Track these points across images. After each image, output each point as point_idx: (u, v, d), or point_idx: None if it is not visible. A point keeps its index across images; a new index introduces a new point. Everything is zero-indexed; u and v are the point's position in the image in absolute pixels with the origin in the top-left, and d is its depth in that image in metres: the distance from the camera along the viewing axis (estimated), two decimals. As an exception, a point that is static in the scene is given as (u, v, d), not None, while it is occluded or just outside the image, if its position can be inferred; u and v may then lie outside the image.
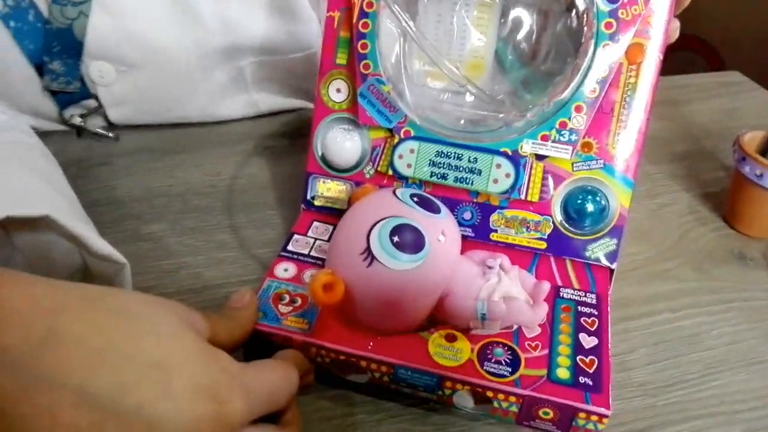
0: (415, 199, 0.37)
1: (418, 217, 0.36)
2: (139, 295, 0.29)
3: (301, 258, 0.41)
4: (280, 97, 0.65)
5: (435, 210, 0.37)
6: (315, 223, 0.45)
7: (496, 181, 0.41)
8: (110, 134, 0.58)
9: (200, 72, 0.57)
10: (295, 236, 0.43)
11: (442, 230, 0.36)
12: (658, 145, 0.62)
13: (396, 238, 0.34)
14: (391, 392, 0.37)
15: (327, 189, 0.45)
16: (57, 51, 0.52)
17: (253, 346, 0.36)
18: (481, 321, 0.35)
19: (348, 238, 0.36)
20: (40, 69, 0.53)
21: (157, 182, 0.53)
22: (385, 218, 0.35)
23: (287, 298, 0.38)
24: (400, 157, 0.42)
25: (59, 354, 0.25)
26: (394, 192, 0.38)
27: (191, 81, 0.58)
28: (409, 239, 0.34)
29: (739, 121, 0.67)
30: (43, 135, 0.53)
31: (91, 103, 0.58)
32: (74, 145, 0.57)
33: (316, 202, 0.45)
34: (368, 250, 0.34)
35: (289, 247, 0.42)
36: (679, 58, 1.20)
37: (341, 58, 0.44)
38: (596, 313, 0.38)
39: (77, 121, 0.57)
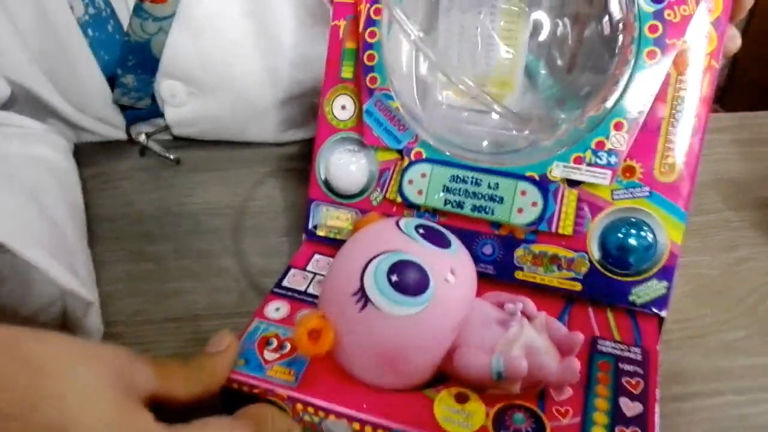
0: (421, 231, 0.32)
1: (422, 253, 0.30)
2: (66, 343, 0.26)
3: (296, 296, 0.36)
4: None
5: (444, 244, 0.31)
6: (316, 256, 0.40)
7: (520, 210, 0.35)
8: (171, 156, 0.56)
9: (272, 103, 0.55)
10: (292, 270, 0.38)
11: (451, 268, 0.30)
12: (742, 190, 0.52)
13: (394, 278, 0.29)
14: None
15: (330, 217, 0.40)
16: (132, 65, 0.51)
17: (231, 399, 0.31)
18: (496, 380, 0.29)
19: (340, 276, 0.31)
20: (112, 81, 0.52)
21: (173, 200, 0.51)
22: (382, 253, 0.30)
23: (275, 342, 0.33)
24: (410, 182, 0.37)
25: None
26: (396, 223, 0.32)
27: (262, 111, 0.55)
28: (410, 279, 0.29)
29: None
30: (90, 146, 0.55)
31: (160, 122, 0.56)
32: (104, 156, 0.55)
33: (319, 232, 0.40)
34: (362, 290, 0.29)
35: (284, 283, 0.37)
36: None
37: (347, 72, 0.39)
38: (641, 372, 0.31)
39: (142, 138, 0.56)
